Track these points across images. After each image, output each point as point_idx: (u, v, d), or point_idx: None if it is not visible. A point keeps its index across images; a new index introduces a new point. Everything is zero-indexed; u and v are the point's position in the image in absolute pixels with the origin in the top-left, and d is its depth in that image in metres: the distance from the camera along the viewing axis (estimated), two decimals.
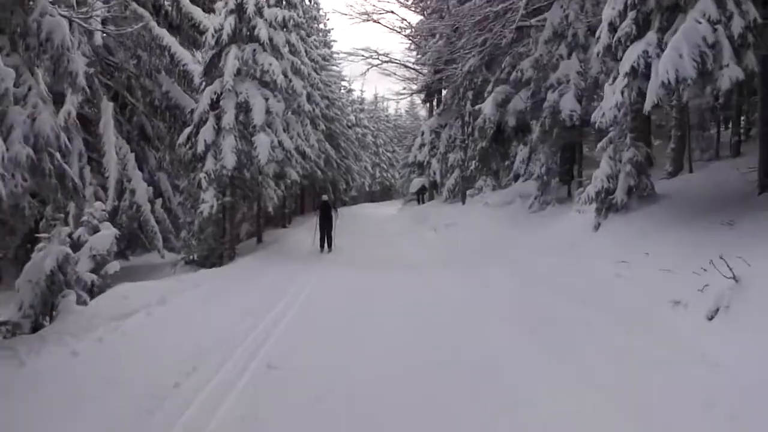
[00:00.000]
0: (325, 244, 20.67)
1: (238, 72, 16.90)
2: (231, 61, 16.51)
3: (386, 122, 79.03)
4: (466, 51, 20.82)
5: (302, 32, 30.97)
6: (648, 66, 8.80)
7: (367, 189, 70.12)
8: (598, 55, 10.47)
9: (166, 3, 22.75)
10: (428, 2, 31.80)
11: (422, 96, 38.80)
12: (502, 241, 16.62)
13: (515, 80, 19.27)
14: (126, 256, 22.08)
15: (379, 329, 8.42)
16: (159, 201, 21.14)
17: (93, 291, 11.69)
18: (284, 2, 21.16)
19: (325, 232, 20.66)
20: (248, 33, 17.18)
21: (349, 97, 64.59)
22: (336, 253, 20.54)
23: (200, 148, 16.64)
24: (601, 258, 10.43)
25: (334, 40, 49.20)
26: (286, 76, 19.02)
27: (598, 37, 10.59)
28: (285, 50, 20.21)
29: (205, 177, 16.56)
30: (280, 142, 17.42)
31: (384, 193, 79.26)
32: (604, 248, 10.83)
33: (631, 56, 9.08)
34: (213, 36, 16.81)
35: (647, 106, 8.66)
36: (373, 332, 8.25)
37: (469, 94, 30.34)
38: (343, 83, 60.81)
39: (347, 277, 14.34)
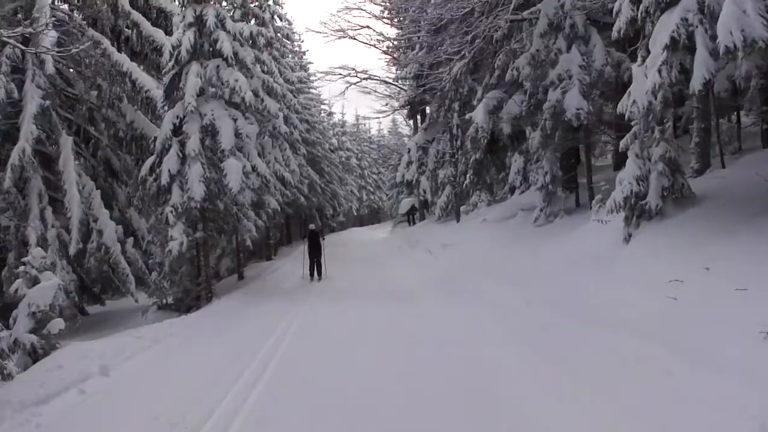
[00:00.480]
0: (315, 273, 19.95)
1: (202, 92, 15.10)
2: (192, 80, 14.69)
3: (369, 143, 77.42)
4: (453, 51, 19.04)
5: (275, 52, 29.29)
6: (690, 36, 7.05)
7: (355, 213, 68.27)
8: (619, 32, 8.70)
9: (125, 28, 21.03)
10: (404, 14, 30.17)
11: (406, 112, 37.09)
12: (506, 260, 14.79)
13: (510, 81, 17.56)
14: (101, 300, 20.17)
15: (376, 394, 6.52)
16: (131, 240, 19.22)
17: (36, 355, 9.79)
18: (252, 18, 19.47)
19: (315, 261, 19.99)
20: (210, 48, 15.39)
21: (330, 120, 63.05)
22: (326, 282, 18.82)
23: (164, 179, 14.79)
24: (640, 276, 8.60)
25: (310, 62, 47.67)
26: (257, 95, 17.25)
27: (617, 12, 8.85)
28: (256, 68, 18.49)
29: (171, 211, 14.69)
30: (254, 168, 15.62)
31: (372, 216, 77.43)
32: (642, 264, 8.99)
33: (666, 26, 7.33)
34: (171, 54, 14.99)
35: (695, 84, 6.90)
36: (369, 399, 6.35)
37: (456, 105, 28.73)
38: (323, 106, 59.44)
39: (336, 317, 12.44)
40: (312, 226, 21.97)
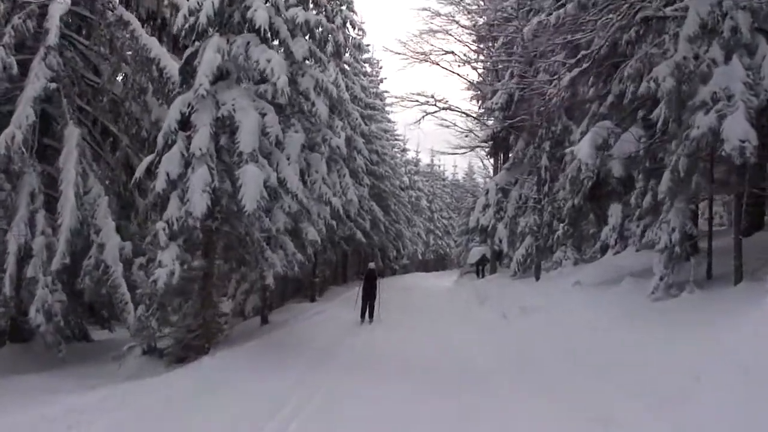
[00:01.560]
0: (366, 315, 18.89)
1: (223, 74, 11.25)
2: (210, 56, 10.85)
3: (443, 186, 73.23)
4: (564, 57, 14.82)
5: (344, 65, 25.63)
6: None
7: (420, 257, 63.85)
8: None
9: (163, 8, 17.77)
10: (497, 33, 26.18)
11: (487, 148, 32.79)
12: (622, 349, 10.21)
13: (646, 95, 13.11)
14: (87, 336, 16.43)
15: None
16: (139, 260, 15.46)
17: None
18: (312, 6, 15.82)
19: (368, 302, 18.91)
20: (241, 19, 11.54)
21: (402, 156, 59.29)
22: (371, 343, 14.63)
23: (160, 185, 10.98)
24: None
25: (386, 91, 43.90)
26: (308, 98, 13.39)
27: None
28: (309, 65, 14.67)
29: (164, 228, 10.77)
30: (282, 182, 11.57)
31: (438, 262, 72.84)
32: None
33: None
34: (186, 19, 11.19)
35: None
36: None
37: (547, 144, 24.42)
38: (397, 141, 55.87)
39: (366, 412, 8.15)
40: (371, 265, 20.87)
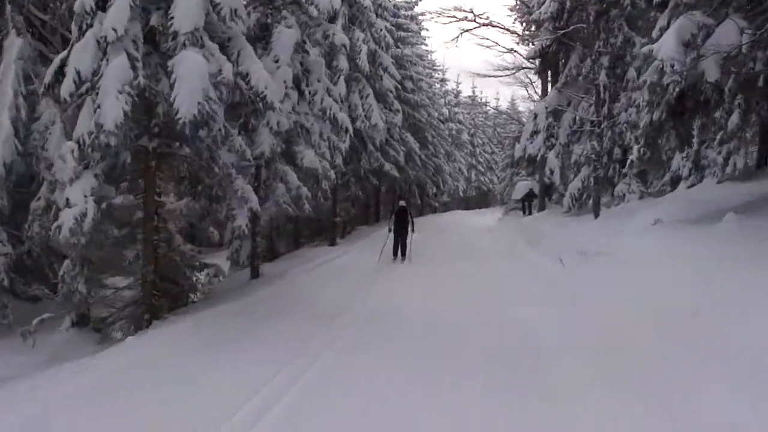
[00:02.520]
0: (399, 253, 17.76)
1: None
2: None
3: (485, 118, 68.71)
4: None
5: None
6: None
7: (462, 194, 59.99)
8: None
9: None
10: None
11: (534, 67, 28.49)
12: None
13: None
14: (28, 295, 13.18)
15: None
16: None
17: None
18: None
19: (399, 240, 17.85)
20: None
21: (442, 87, 55.01)
22: (383, 312, 11.08)
23: (67, 87, 7.46)
24: None
25: (422, 14, 39.62)
26: None
27: None
28: None
29: (73, 151, 7.32)
30: (244, 77, 7.96)
31: (481, 199, 68.89)
32: None
33: None
34: None
35: None
36: None
37: (605, 60, 20.36)
38: (436, 70, 51.66)
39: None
40: (402, 203, 19.22)
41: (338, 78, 20.40)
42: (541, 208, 28.85)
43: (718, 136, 17.83)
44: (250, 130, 11.49)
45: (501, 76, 34.60)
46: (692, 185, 19.24)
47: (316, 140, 12.96)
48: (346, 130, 14.05)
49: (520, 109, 69.98)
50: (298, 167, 12.57)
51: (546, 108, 23.49)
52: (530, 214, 31.10)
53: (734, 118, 13.36)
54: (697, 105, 13.14)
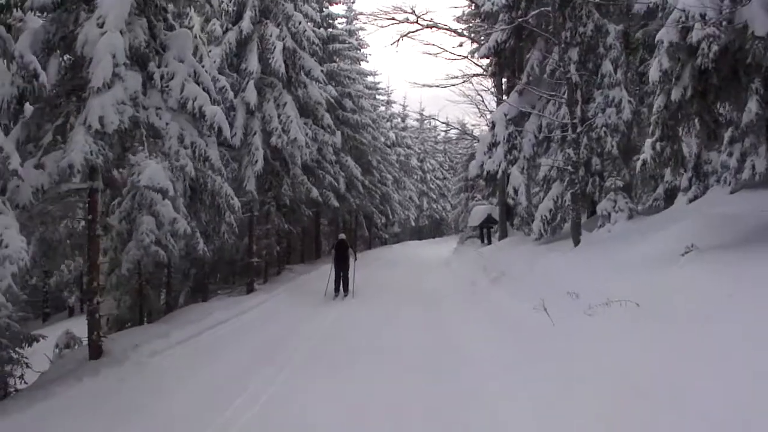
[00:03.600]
0: (341, 288, 16.91)
1: None
2: None
3: (434, 144, 64.87)
4: None
5: None
6: None
7: (413, 223, 55.67)
8: None
9: None
10: None
11: (489, 68, 24.41)
12: None
13: None
14: None
15: None
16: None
17: None
18: None
19: (341, 275, 16.96)
20: None
21: (388, 110, 51.10)
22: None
23: None
24: None
25: (360, 26, 35.84)
26: None
27: None
28: None
29: None
30: None
31: (434, 228, 64.64)
32: None
33: None
34: None
35: None
36: None
37: (574, 53, 16.66)
38: (379, 94, 47.82)
39: None
40: (341, 236, 18.40)
41: (247, 83, 16.06)
42: (503, 234, 24.72)
43: (727, 134, 13.95)
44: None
45: (450, 85, 30.69)
46: (695, 198, 15.30)
47: (172, 147, 8.55)
48: (219, 131, 9.56)
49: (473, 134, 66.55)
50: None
51: (505, 115, 19.43)
52: (489, 242, 26.97)
53: (752, 106, 9.35)
54: (733, 78, 9.12)
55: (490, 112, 32.85)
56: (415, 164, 54.84)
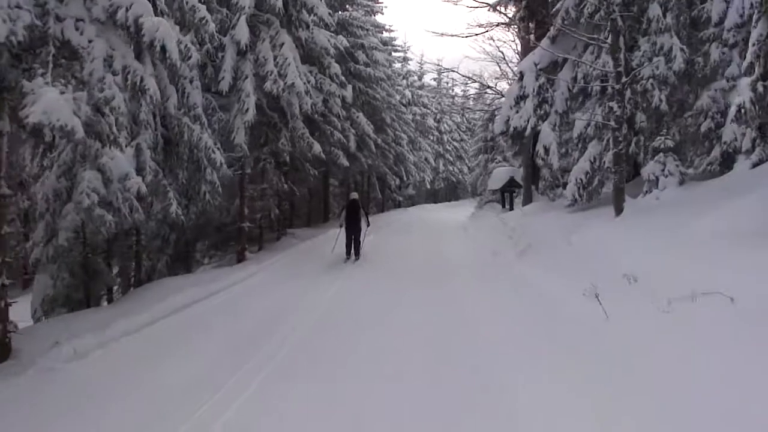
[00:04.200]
0: (352, 251, 15.54)
1: None
2: None
3: (451, 104, 62.13)
4: None
5: None
6: None
7: (429, 186, 53.23)
8: None
9: None
10: None
11: (516, 12, 21.80)
12: None
13: None
14: None
15: None
16: None
17: None
18: None
19: (352, 237, 15.60)
20: None
21: (404, 67, 48.46)
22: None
23: None
24: None
25: None
26: None
27: None
28: None
29: None
30: None
31: (450, 191, 62.22)
32: None
33: None
34: None
35: None
36: None
37: None
38: (396, 50, 45.31)
39: None
40: (353, 195, 16.84)
41: (238, 18, 13.75)
42: (528, 199, 22.43)
43: None
44: None
45: (471, 35, 28.20)
46: (759, 162, 12.91)
47: (95, 72, 6.29)
48: (162, 50, 7.26)
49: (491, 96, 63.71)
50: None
51: (536, 64, 17.01)
52: (512, 208, 24.69)
53: None
54: None
55: (512, 70, 30.28)
56: (432, 124, 52.31)
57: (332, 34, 20.05)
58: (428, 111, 51.46)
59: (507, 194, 25.85)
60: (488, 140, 33.87)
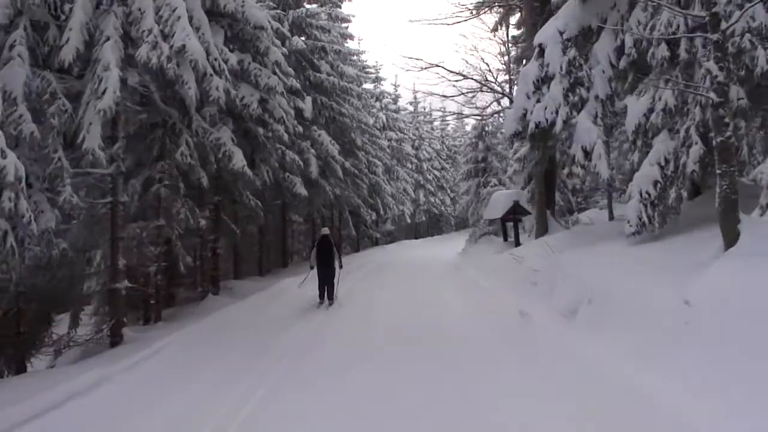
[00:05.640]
0: (326, 295, 13.37)
1: None
2: None
3: (431, 128, 56.76)
4: None
5: None
6: None
7: (408, 220, 47.42)
8: None
9: None
10: None
11: None
12: None
13: None
14: None
15: None
16: None
17: None
18: None
19: (326, 280, 13.38)
20: None
21: (376, 88, 43.37)
22: None
23: None
24: None
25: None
26: None
27: None
28: None
29: None
30: None
31: (433, 224, 56.49)
32: None
33: None
34: None
35: None
36: None
37: None
38: (368, 68, 40.65)
39: None
40: (324, 231, 14.30)
41: None
42: (542, 228, 16.97)
43: None
44: None
45: (459, 21, 23.30)
46: None
47: None
48: None
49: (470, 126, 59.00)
50: None
51: (561, 33, 11.72)
52: (517, 241, 19.22)
53: None
54: None
55: (499, 85, 25.14)
56: (410, 151, 46.87)
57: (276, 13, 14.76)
58: (405, 136, 46.14)
59: (510, 223, 20.37)
60: (479, 161, 28.51)
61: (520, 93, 12.38)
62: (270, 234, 22.39)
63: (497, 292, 12.43)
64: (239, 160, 11.51)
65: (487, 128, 28.74)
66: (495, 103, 25.29)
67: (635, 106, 10.54)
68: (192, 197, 11.90)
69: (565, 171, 17.19)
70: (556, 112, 11.39)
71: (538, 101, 11.80)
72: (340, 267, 13.79)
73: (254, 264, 20.79)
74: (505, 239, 21.21)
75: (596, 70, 11.37)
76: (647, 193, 9.78)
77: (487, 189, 26.53)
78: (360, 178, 30.22)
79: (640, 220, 9.79)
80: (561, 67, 11.55)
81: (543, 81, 11.88)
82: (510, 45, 25.27)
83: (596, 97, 11.24)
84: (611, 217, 15.69)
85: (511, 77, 24.76)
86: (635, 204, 9.90)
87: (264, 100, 13.89)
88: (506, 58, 25.34)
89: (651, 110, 10.20)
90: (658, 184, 9.73)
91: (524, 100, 12.17)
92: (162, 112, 10.10)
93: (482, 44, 41.05)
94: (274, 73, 14.08)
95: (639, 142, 10.50)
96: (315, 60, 23.85)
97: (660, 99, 9.98)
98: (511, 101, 20.65)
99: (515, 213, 19.66)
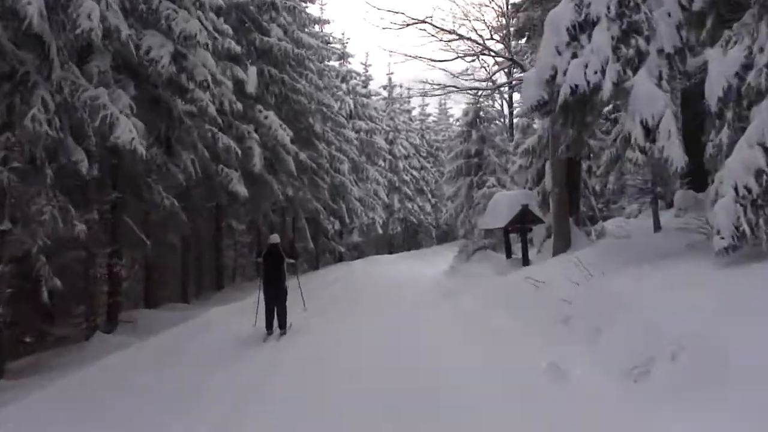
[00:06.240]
0: (274, 323, 12.61)
1: None
2: None
3: (408, 119, 54.69)
4: None
5: None
6: None
7: (380, 231, 44.93)
8: None
9: None
10: None
11: None
12: None
13: None
14: None
15: None
16: None
17: None
18: None
19: (273, 301, 12.58)
20: None
21: (342, 66, 41.30)
22: None
23: None
24: None
25: None
26: None
27: None
28: None
29: None
30: None
31: (409, 236, 54.13)
32: None
33: None
34: None
35: None
36: None
37: None
38: (332, 40, 38.66)
39: None
40: (273, 238, 13.46)
41: None
42: (562, 241, 14.82)
43: None
44: None
45: None
46: None
47: None
48: None
49: (455, 118, 57.17)
50: None
51: None
52: (526, 259, 17.07)
53: None
54: None
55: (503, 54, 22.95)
56: (383, 145, 44.59)
57: None
58: (377, 127, 43.96)
59: (519, 234, 18.22)
60: (472, 155, 26.19)
61: (547, 46, 10.18)
62: (199, 247, 20.05)
63: (510, 332, 10.23)
64: (126, 131, 9.10)
65: (482, 113, 26.52)
66: (501, 74, 23.22)
67: (721, 63, 8.42)
68: (70, 191, 9.53)
69: (602, 160, 15.05)
70: (603, 72, 9.23)
71: (574, 56, 9.64)
72: (297, 277, 13.20)
73: (177, 286, 18.40)
74: (509, 255, 19.04)
75: (659, 12, 9.27)
76: (746, 188, 7.63)
77: (483, 191, 24.32)
78: (320, 176, 28.05)
79: (737, 229, 7.62)
80: (608, 7, 9.41)
81: (581, 28, 9.74)
82: (510, 16, 23.34)
83: (660, 50, 9.12)
84: (657, 227, 13.67)
85: (514, 58, 22.74)
86: (728, 204, 7.72)
87: (181, 55, 11.48)
88: (504, 32, 23.39)
89: (746, 67, 8.09)
90: (764, 175, 7.60)
91: (552, 56, 9.99)
92: (9, 57, 7.71)
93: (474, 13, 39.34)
94: (198, 18, 11.78)
95: (729, 114, 8.37)
96: (263, 21, 21.72)
97: (763, 51, 7.90)
98: (523, 69, 18.53)
99: (524, 221, 17.49)
